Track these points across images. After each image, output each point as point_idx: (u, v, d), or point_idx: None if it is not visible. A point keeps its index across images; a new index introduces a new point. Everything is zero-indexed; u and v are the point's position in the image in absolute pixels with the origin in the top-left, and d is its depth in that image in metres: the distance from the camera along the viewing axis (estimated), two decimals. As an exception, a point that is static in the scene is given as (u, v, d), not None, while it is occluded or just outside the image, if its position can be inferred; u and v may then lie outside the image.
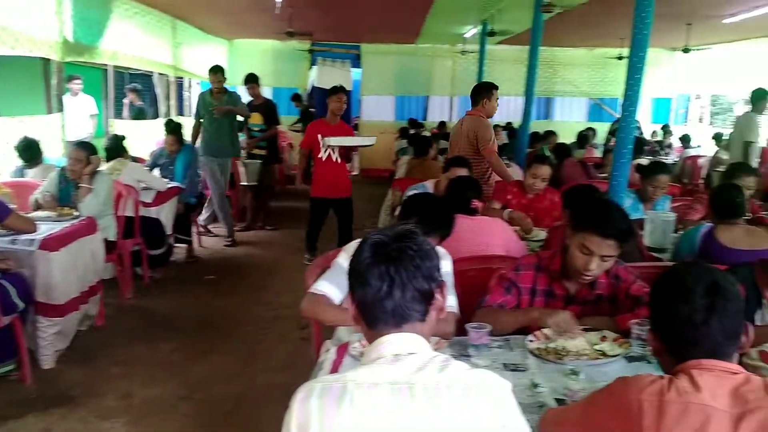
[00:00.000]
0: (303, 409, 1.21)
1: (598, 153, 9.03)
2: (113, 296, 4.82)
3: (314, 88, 12.76)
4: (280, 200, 9.24)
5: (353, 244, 2.29)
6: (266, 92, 10.60)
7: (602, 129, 11.75)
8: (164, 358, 4.01)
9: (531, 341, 2.15)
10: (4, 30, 4.60)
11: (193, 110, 11.35)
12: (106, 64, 8.45)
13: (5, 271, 3.38)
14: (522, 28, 8.63)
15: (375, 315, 1.32)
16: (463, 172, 4.17)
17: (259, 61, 11.75)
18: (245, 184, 7.47)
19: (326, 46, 12.33)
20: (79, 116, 7.83)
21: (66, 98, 6.47)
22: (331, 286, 2.30)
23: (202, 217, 7.09)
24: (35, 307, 3.61)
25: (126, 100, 9.71)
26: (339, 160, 5.73)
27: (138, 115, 9.38)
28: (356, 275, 1.34)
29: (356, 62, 12.54)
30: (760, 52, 9.57)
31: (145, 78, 10.79)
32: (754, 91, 6.55)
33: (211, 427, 3.23)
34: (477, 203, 3.37)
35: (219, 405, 3.42)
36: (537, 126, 9.92)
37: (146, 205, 5.34)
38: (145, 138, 8.10)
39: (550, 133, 9.44)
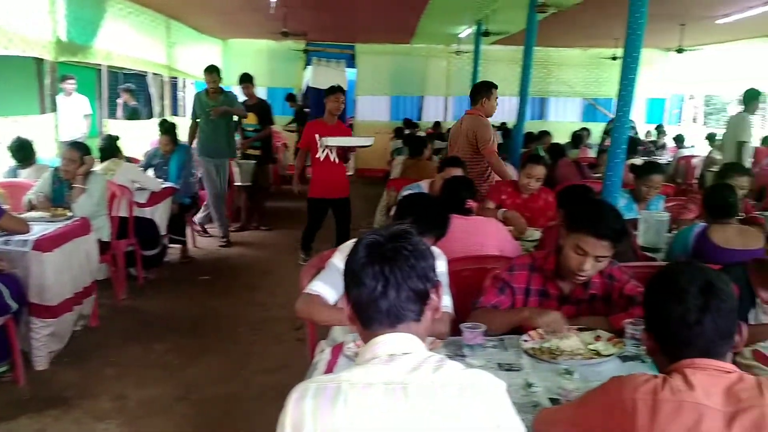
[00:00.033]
0: (297, 409, 1.21)
1: (592, 153, 9.06)
2: (107, 297, 4.80)
3: (309, 88, 12.77)
4: (275, 200, 9.23)
5: (348, 244, 2.29)
6: (261, 92, 10.60)
7: (596, 129, 11.79)
8: (158, 359, 3.99)
9: (525, 341, 2.15)
10: (-3, 30, 4.59)
11: (188, 110, 11.36)
12: (99, 64, 8.43)
13: (-2, 271, 3.37)
14: (516, 29, 8.65)
15: (370, 315, 1.32)
16: (457, 172, 4.17)
17: (254, 61, 11.73)
18: (239, 184, 7.47)
19: (321, 46, 12.32)
20: (72, 116, 7.81)
21: (59, 98, 6.46)
22: (326, 287, 2.30)
23: (199, 216, 7.08)
24: (28, 308, 3.59)
25: (120, 100, 9.68)
26: (337, 161, 5.69)
27: (132, 115, 9.35)
28: (351, 275, 1.34)
29: (351, 62, 12.54)
30: (754, 52, 9.61)
31: (139, 78, 10.77)
32: (746, 92, 6.58)
33: (205, 427, 3.23)
34: (471, 203, 3.38)
35: (213, 406, 3.41)
36: (531, 126, 9.96)
37: (140, 205, 5.32)
38: (139, 138, 8.07)
39: (545, 133, 9.46)
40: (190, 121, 6.95)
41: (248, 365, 3.93)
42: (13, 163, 5.07)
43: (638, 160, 7.02)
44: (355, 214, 5.88)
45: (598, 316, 2.34)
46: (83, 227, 4.11)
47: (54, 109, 5.84)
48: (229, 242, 6.91)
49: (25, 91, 7.60)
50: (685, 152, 9.87)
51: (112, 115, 9.46)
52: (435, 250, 2.19)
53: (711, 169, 7.09)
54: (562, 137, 9.85)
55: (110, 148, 5.63)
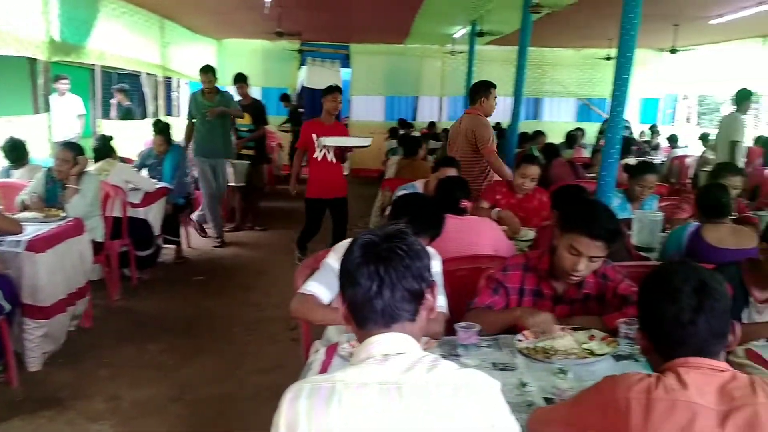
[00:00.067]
0: (292, 409, 1.21)
1: (586, 153, 9.08)
2: (101, 297, 4.78)
3: (303, 89, 12.74)
4: (270, 201, 9.21)
5: (342, 244, 2.29)
6: (255, 92, 10.57)
7: (590, 129, 11.82)
8: (152, 359, 3.98)
9: (519, 340, 2.16)
10: (-10, 29, 4.57)
11: (182, 110, 11.38)
12: (93, 64, 8.39)
13: (-9, 272, 3.35)
14: (511, 29, 8.66)
15: (365, 315, 1.32)
16: (452, 172, 4.18)
17: (248, 61, 11.71)
18: (233, 184, 7.45)
19: (315, 46, 12.31)
20: (66, 116, 7.76)
21: (53, 98, 6.43)
22: (321, 286, 2.30)
23: (196, 214, 7.05)
24: (21, 309, 3.57)
25: (113, 101, 9.64)
26: (334, 161, 5.63)
27: (126, 115, 9.32)
28: (346, 275, 1.35)
29: (345, 62, 12.54)
30: (747, 52, 9.65)
31: (133, 78, 10.73)
32: (738, 92, 6.61)
33: (200, 428, 3.22)
34: (466, 203, 3.38)
35: (208, 406, 3.41)
36: (526, 126, 9.97)
37: (134, 205, 5.31)
38: (133, 138, 8.04)
39: (539, 134, 9.47)
40: (187, 121, 6.93)
41: (243, 365, 3.93)
42: (6, 163, 5.05)
43: (632, 160, 7.05)
44: (351, 214, 5.87)
45: (591, 315, 2.35)
46: (76, 228, 4.09)
47: (47, 109, 5.81)
48: (224, 242, 6.90)
49: (18, 91, 7.55)
50: (679, 152, 9.90)
51: (106, 115, 9.42)
52: (430, 250, 2.19)
53: (704, 169, 7.11)
54: (556, 137, 9.87)
55: (104, 149, 5.61)
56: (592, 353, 2.09)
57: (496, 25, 8.68)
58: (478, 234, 3.18)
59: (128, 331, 4.41)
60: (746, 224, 3.65)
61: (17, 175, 4.95)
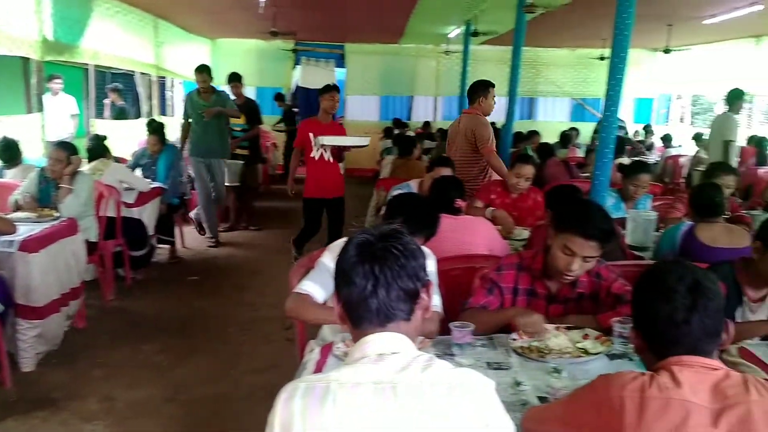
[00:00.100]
0: (286, 409, 1.21)
1: (580, 152, 9.10)
2: (95, 298, 4.77)
3: (298, 88, 12.74)
4: (264, 200, 9.21)
5: (337, 244, 2.29)
6: (250, 92, 10.57)
7: (585, 129, 11.85)
8: (147, 359, 3.97)
9: (514, 339, 2.16)
10: (-17, 29, 4.55)
11: (176, 110, 11.36)
12: (86, 64, 8.36)
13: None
14: (505, 29, 8.67)
15: (360, 314, 1.32)
16: (447, 171, 4.18)
17: (243, 60, 11.69)
18: (228, 184, 7.43)
19: (310, 45, 12.30)
20: (59, 116, 7.74)
21: (46, 98, 6.41)
22: (315, 286, 2.30)
23: (195, 212, 7.03)
24: (14, 309, 3.56)
25: (107, 100, 9.62)
26: (331, 160, 5.59)
27: (119, 114, 9.30)
28: (341, 274, 1.34)
29: (340, 62, 12.53)
30: (740, 52, 9.70)
31: (127, 77, 10.70)
32: (730, 92, 6.63)
33: (194, 428, 3.21)
34: (460, 203, 3.38)
35: (202, 406, 3.40)
36: (520, 126, 9.99)
37: (128, 205, 5.29)
38: (126, 138, 8.02)
39: (534, 133, 9.50)
40: (182, 121, 6.91)
41: (237, 365, 3.92)
42: (-1, 163, 5.03)
43: (626, 160, 7.07)
44: (346, 213, 5.86)
45: (585, 314, 2.35)
46: (70, 228, 4.08)
47: (40, 108, 5.79)
48: (218, 242, 6.88)
49: (11, 90, 7.54)
50: (673, 152, 9.94)
51: (100, 114, 9.39)
52: (424, 249, 2.19)
53: (698, 169, 7.14)
54: (550, 137, 9.89)
55: (98, 148, 5.60)
56: (586, 352, 2.09)
57: (491, 25, 8.70)
58: (472, 233, 3.18)
59: (122, 331, 4.40)
60: (739, 223, 3.67)
61: (10, 175, 4.93)
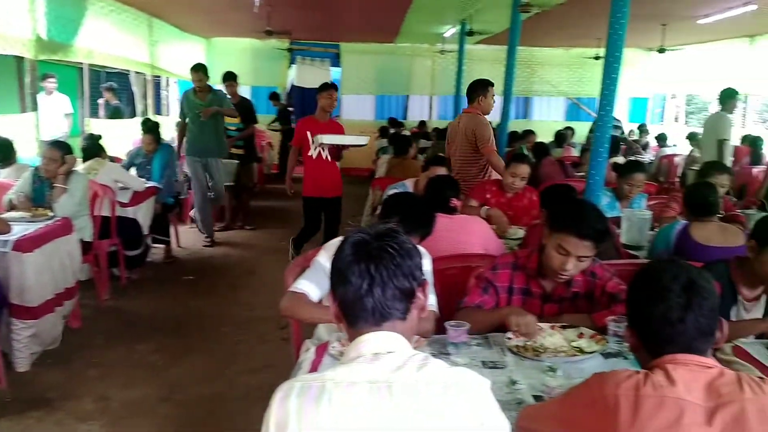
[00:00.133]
0: (282, 408, 1.21)
1: (575, 152, 9.12)
2: (90, 297, 4.76)
3: (293, 87, 12.72)
4: (260, 200, 9.20)
5: (333, 243, 2.29)
6: (245, 91, 10.53)
7: (580, 128, 11.88)
8: (142, 359, 3.97)
9: (509, 338, 2.16)
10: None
11: (171, 109, 11.33)
12: (81, 63, 8.34)
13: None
14: (500, 28, 8.69)
15: (355, 313, 1.32)
16: (442, 170, 4.19)
17: (238, 59, 11.67)
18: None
19: (305, 44, 12.28)
20: (53, 115, 7.72)
21: (40, 97, 6.39)
22: (311, 284, 2.30)
23: (194, 211, 7.01)
24: (9, 309, 3.54)
25: (101, 100, 9.58)
26: (329, 159, 5.55)
27: (114, 114, 9.26)
28: (337, 273, 1.35)
29: (335, 61, 12.52)
30: (734, 52, 9.73)
31: (122, 76, 10.66)
32: (722, 91, 6.66)
33: (189, 428, 3.21)
34: (456, 202, 3.39)
35: (197, 406, 3.39)
36: (515, 125, 10.01)
37: (123, 205, 5.28)
38: (121, 137, 8.00)
39: (529, 133, 9.50)
40: (179, 120, 6.88)
41: (233, 365, 3.92)
42: (-8, 162, 5.00)
43: (621, 159, 7.09)
44: (342, 212, 5.85)
45: (580, 313, 2.36)
46: (65, 227, 4.06)
47: (35, 107, 5.77)
48: (214, 242, 6.87)
49: (5, 89, 7.51)
50: (668, 151, 9.97)
51: (94, 114, 9.36)
52: (420, 249, 2.20)
53: (692, 168, 7.17)
54: (546, 136, 9.91)
55: (93, 148, 5.59)
56: (581, 351, 2.10)
57: (486, 24, 8.70)
58: (468, 233, 3.19)
59: (117, 330, 4.39)
60: (733, 222, 3.68)
61: (4, 175, 4.91)
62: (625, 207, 4.23)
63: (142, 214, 5.53)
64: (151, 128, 6.24)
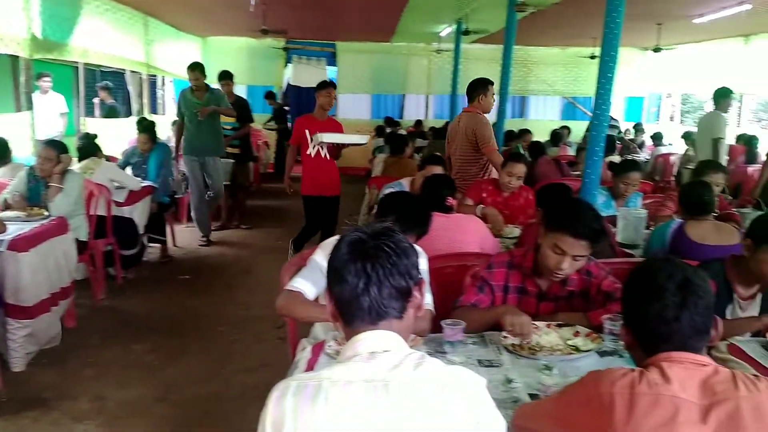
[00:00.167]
0: (278, 407, 1.21)
1: (571, 151, 9.14)
2: (85, 297, 4.74)
3: (289, 86, 12.72)
4: (256, 199, 9.19)
5: (329, 242, 2.30)
6: (241, 90, 10.53)
7: (576, 127, 11.89)
8: (138, 359, 3.96)
9: (505, 337, 2.17)
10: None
11: (167, 108, 11.31)
12: (76, 62, 8.32)
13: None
14: (496, 27, 8.70)
15: (352, 312, 1.32)
16: (438, 170, 4.19)
17: (234, 58, 11.65)
18: (219, 183, 7.41)
19: (301, 44, 12.28)
20: (48, 114, 7.70)
21: (35, 96, 6.37)
22: (307, 283, 2.30)
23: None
24: (4, 309, 3.53)
25: (97, 99, 9.56)
26: (328, 157, 5.50)
27: (110, 113, 9.25)
28: (334, 272, 1.34)
29: (332, 60, 12.52)
30: (729, 51, 9.76)
31: (117, 76, 10.65)
32: (716, 90, 6.68)
33: (185, 428, 3.20)
34: (451, 201, 3.39)
35: (194, 406, 3.39)
36: (512, 124, 10.01)
37: (119, 204, 5.26)
38: (117, 136, 7.98)
39: (525, 132, 9.53)
40: (176, 119, 6.86)
41: (229, 364, 3.91)
42: (-12, 161, 4.99)
43: (616, 158, 7.11)
44: (339, 211, 5.84)
45: (576, 312, 2.36)
46: (60, 227, 4.05)
47: (30, 107, 5.75)
48: (210, 241, 6.86)
49: (0, 88, 7.48)
50: (663, 150, 9.99)
51: (90, 113, 9.34)
52: (416, 248, 2.20)
53: (688, 167, 7.19)
54: (542, 135, 9.93)
55: (89, 147, 5.57)
56: (576, 349, 2.10)
57: (482, 23, 8.72)
58: (464, 231, 3.19)
59: (113, 330, 4.38)
60: (728, 221, 3.69)
61: (-1, 174, 4.90)
62: (620, 206, 4.24)
63: (138, 214, 5.51)
64: (146, 127, 6.23)
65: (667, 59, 11.26)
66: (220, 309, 4.91)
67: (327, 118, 5.64)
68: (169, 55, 9.59)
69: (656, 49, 10.00)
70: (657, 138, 10.71)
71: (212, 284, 5.55)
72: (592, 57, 10.55)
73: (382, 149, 9.37)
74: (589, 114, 11.51)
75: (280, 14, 8.57)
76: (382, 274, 1.30)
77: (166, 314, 4.77)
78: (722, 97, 6.60)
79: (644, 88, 13.31)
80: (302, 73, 12.14)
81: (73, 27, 6.38)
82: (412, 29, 10.26)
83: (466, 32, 8.88)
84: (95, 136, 6.00)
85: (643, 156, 9.88)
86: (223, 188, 7.03)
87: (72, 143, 5.74)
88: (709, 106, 6.89)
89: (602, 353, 2.09)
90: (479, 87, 5.16)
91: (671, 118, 13.69)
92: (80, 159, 5.41)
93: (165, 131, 8.52)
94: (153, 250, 6.10)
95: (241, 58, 11.97)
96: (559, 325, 2.24)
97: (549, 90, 13.14)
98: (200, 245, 6.76)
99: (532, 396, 1.79)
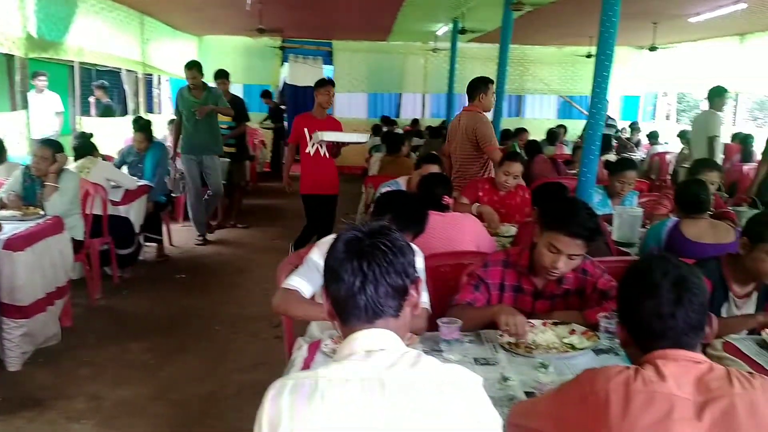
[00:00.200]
0: (274, 406, 1.21)
1: (567, 150, 9.15)
2: (81, 296, 4.73)
3: (285, 85, 12.70)
4: (252, 198, 9.18)
5: (326, 240, 2.30)
6: (237, 89, 10.51)
7: (572, 126, 11.92)
8: (134, 358, 3.95)
9: (501, 335, 2.17)
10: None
11: (163, 107, 11.29)
12: (72, 61, 8.29)
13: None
14: (492, 26, 8.70)
15: (348, 311, 1.32)
16: (434, 168, 4.19)
17: (230, 57, 11.64)
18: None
19: (297, 42, 12.27)
20: (44, 113, 7.67)
21: (31, 95, 6.35)
22: (303, 281, 2.30)
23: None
24: (0, 308, 3.52)
25: (92, 98, 9.54)
26: (327, 155, 5.47)
27: (105, 112, 9.22)
28: (330, 271, 1.34)
29: (328, 59, 12.51)
30: (725, 50, 9.78)
31: (113, 75, 10.62)
32: (711, 89, 6.70)
33: (182, 427, 3.20)
34: (448, 199, 3.39)
35: (190, 405, 3.38)
36: (508, 123, 10.02)
37: (115, 203, 5.26)
38: (113, 135, 7.97)
39: (521, 130, 9.54)
40: (174, 118, 6.84)
41: (225, 363, 3.91)
42: (-17, 161, 4.97)
43: (612, 157, 7.13)
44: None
45: (572, 310, 2.37)
46: (56, 226, 4.04)
47: (25, 106, 5.73)
48: (206, 240, 6.85)
49: (-5, 87, 7.46)
50: (659, 149, 10.02)
51: (86, 112, 9.31)
52: (413, 246, 2.20)
53: (684, 165, 7.20)
54: (538, 134, 9.94)
55: (85, 146, 5.56)
56: (572, 347, 2.11)
57: (478, 22, 8.72)
58: (460, 230, 3.19)
59: (109, 330, 4.37)
60: (724, 219, 3.70)
61: (-6, 173, 4.88)
62: (616, 204, 4.25)
63: (134, 213, 5.51)
64: (142, 126, 6.22)
65: (663, 58, 11.28)
66: (217, 308, 4.91)
67: (326, 117, 5.61)
68: (165, 53, 9.58)
69: (652, 48, 10.02)
70: (653, 137, 10.73)
71: (208, 283, 5.55)
72: (588, 56, 10.57)
73: (378, 148, 9.37)
74: (585, 113, 11.54)
75: (277, 13, 8.56)
76: (379, 272, 1.30)
77: (163, 313, 4.76)
78: (717, 95, 6.62)
79: (640, 87, 13.33)
80: (299, 72, 12.12)
81: (68, 26, 6.36)
82: (409, 28, 10.26)
83: (463, 31, 8.88)
84: (91, 135, 5.97)
85: (639, 155, 9.91)
86: (221, 187, 7.02)
87: (68, 142, 5.73)
88: (705, 105, 6.91)
89: (598, 351, 2.10)
90: (479, 86, 5.15)
91: (667, 117, 13.72)
92: (76, 158, 5.40)
93: (161, 130, 8.50)
94: (149, 250, 6.10)
95: (237, 57, 11.95)
96: (555, 324, 2.25)
97: (545, 89, 13.15)
98: (196, 244, 6.75)
99: (527, 394, 1.79)
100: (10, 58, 5.87)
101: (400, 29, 10.39)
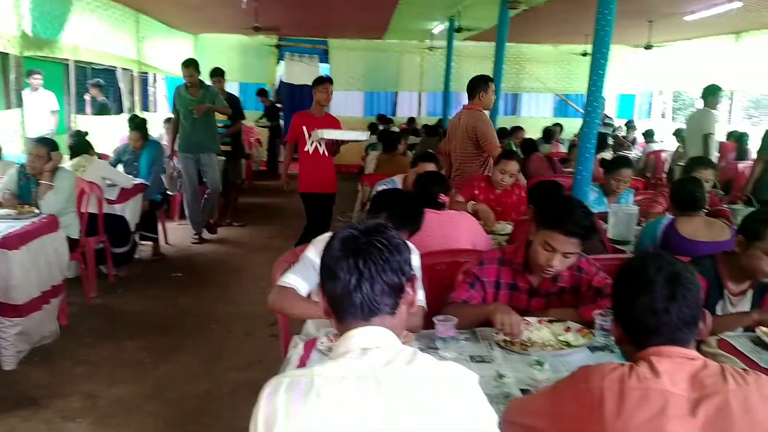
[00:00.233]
0: (270, 404, 1.21)
1: (563, 148, 9.17)
2: (77, 295, 4.72)
3: (282, 84, 12.69)
4: (248, 196, 9.17)
5: (322, 238, 2.29)
6: (233, 87, 10.49)
7: (568, 124, 11.94)
8: (130, 357, 3.95)
9: (497, 333, 2.17)
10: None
11: (159, 106, 11.27)
12: (67, 59, 8.27)
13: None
14: (488, 25, 8.71)
15: (344, 309, 1.32)
16: (431, 167, 4.19)
17: (226, 56, 11.60)
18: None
19: (294, 41, 12.26)
20: (39, 112, 7.65)
21: (26, 93, 6.33)
22: (299, 279, 2.30)
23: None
24: (-5, 307, 3.52)
25: (87, 96, 9.51)
26: (326, 154, 5.44)
27: (101, 110, 9.20)
28: (326, 269, 1.34)
29: (324, 57, 12.50)
30: (720, 49, 9.81)
31: (109, 73, 10.59)
32: (705, 88, 6.72)
33: (178, 426, 3.20)
34: (444, 198, 3.39)
35: (186, 404, 3.38)
36: (504, 121, 10.04)
37: (110, 202, 5.24)
38: (108, 134, 7.95)
39: (517, 129, 9.55)
40: (172, 116, 6.83)
41: (221, 362, 3.91)
42: (-22, 159, 4.96)
43: (608, 155, 7.14)
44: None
45: (567, 308, 2.38)
46: (51, 224, 4.03)
47: (20, 104, 5.72)
48: (202, 239, 6.84)
49: (-11, 86, 7.43)
50: (655, 147, 10.05)
51: (81, 110, 9.29)
52: (409, 244, 2.20)
53: (679, 164, 7.23)
54: (534, 132, 9.95)
55: (81, 145, 5.54)
56: (568, 345, 2.11)
57: (474, 21, 8.73)
58: (456, 228, 3.19)
59: (105, 328, 4.37)
60: (719, 217, 3.71)
61: (-11, 172, 4.87)
62: (612, 202, 4.25)
63: (130, 211, 5.49)
64: (138, 125, 6.20)
65: (658, 56, 11.30)
66: (212, 306, 4.90)
67: (324, 114, 5.57)
68: (161, 52, 9.55)
69: (648, 47, 10.03)
70: (648, 135, 10.76)
71: (204, 282, 5.54)
72: (584, 54, 10.58)
73: (374, 146, 9.37)
74: (581, 111, 11.56)
75: (273, 11, 8.55)
76: (375, 270, 1.30)
77: (158, 312, 4.76)
78: (711, 94, 6.64)
79: (636, 86, 13.36)
80: (295, 71, 12.12)
81: (63, 24, 6.34)
82: (405, 26, 10.26)
83: (459, 29, 8.88)
84: (86, 133, 5.95)
85: (634, 153, 9.93)
86: (220, 185, 7.01)
87: (63, 141, 5.71)
88: (700, 104, 6.92)
89: (593, 348, 2.11)
90: (480, 84, 5.13)
91: (663, 115, 13.76)
92: (71, 156, 5.39)
93: (156, 129, 8.48)
94: (145, 248, 6.08)
95: (233, 56, 11.93)
96: (551, 321, 2.25)
97: (541, 87, 13.16)
98: (192, 243, 6.74)
99: (523, 391, 1.80)
100: (5, 56, 5.84)
101: (396, 27, 10.39)
